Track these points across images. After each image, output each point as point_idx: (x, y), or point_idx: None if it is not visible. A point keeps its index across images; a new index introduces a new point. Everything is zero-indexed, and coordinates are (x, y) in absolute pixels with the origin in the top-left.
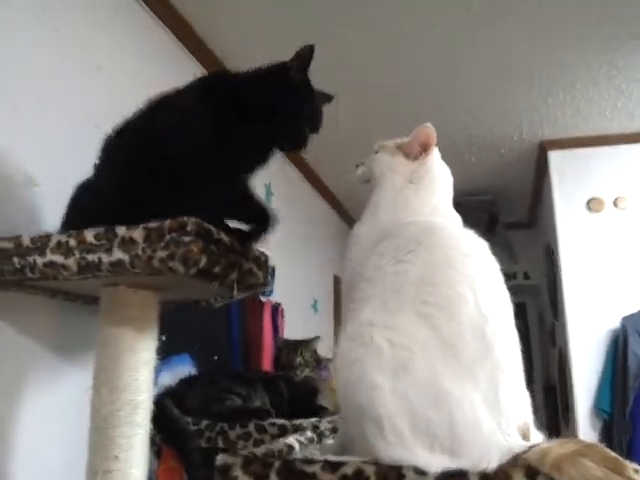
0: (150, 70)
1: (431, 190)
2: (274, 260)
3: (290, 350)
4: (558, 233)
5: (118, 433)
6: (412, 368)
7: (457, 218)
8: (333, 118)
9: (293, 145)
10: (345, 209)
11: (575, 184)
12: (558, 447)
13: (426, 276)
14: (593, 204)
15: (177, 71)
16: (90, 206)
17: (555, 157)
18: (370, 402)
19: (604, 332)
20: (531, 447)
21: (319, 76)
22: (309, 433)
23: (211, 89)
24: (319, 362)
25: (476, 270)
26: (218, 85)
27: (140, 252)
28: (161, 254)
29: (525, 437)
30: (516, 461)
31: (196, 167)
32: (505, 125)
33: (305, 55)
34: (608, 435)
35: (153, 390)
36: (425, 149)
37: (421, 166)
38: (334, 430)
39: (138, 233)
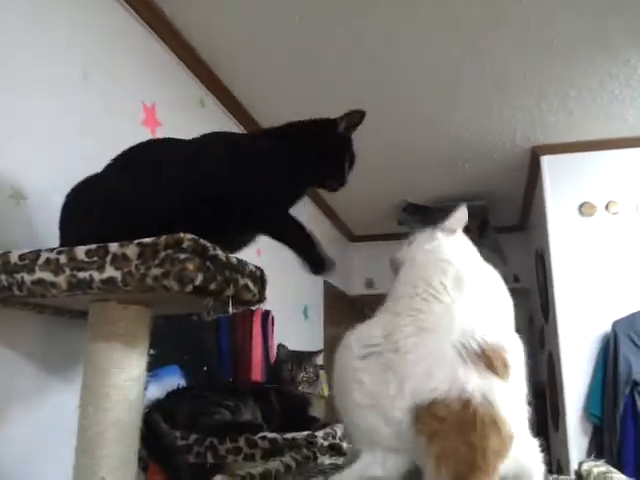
0: (138, 78)
1: None
2: (265, 265)
3: (294, 364)
4: (550, 237)
5: (105, 453)
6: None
7: None
8: None
9: (338, 185)
10: (337, 215)
11: (567, 188)
12: None
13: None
14: (585, 208)
15: (165, 77)
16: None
17: (548, 162)
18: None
19: (595, 336)
20: None
21: (315, 83)
22: (305, 451)
23: (275, 142)
24: (317, 377)
25: None
26: (280, 139)
27: (133, 269)
28: (155, 272)
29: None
30: None
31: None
32: (498, 131)
33: (355, 119)
34: (599, 440)
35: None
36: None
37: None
38: (331, 447)
39: (131, 250)
